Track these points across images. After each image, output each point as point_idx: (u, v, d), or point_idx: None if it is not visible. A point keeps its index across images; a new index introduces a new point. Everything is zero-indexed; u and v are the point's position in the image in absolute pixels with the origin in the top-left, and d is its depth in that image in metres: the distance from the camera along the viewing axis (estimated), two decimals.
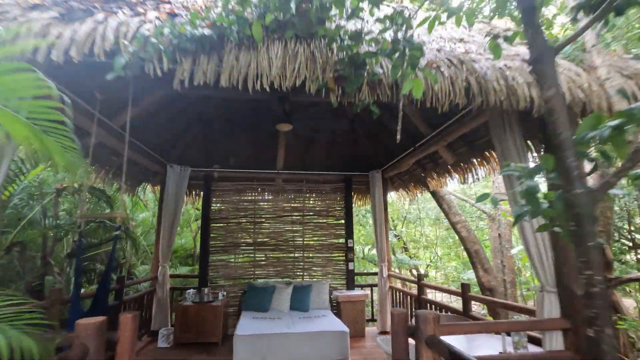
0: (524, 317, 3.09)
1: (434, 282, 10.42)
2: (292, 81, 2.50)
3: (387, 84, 2.62)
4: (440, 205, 6.86)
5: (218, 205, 6.19)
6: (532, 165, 2.80)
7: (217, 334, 5.04)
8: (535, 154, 3.60)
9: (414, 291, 5.21)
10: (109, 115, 3.99)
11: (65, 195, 5.02)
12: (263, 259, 6.16)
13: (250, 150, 6.31)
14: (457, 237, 11.29)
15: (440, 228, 11.37)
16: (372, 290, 6.30)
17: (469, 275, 7.61)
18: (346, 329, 4.27)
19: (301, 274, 6.13)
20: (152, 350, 4.87)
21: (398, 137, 2.71)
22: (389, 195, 6.81)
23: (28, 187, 4.64)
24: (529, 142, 3.43)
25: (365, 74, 2.54)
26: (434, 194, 6.81)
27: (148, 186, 6.46)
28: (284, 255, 6.25)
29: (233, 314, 5.72)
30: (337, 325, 4.48)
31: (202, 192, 6.15)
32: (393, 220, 12.16)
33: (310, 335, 4.15)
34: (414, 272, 10.91)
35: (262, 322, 4.63)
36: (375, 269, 9.58)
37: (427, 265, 10.97)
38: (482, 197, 1.67)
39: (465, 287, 3.90)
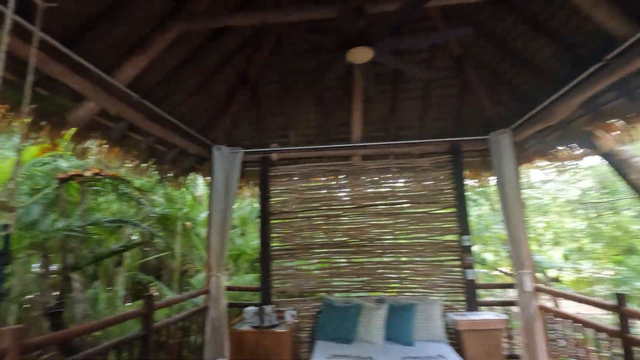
0: None
1: (566, 289, 7.60)
2: None
3: None
4: (623, 175, 4.42)
5: (279, 195, 4.76)
6: None
7: None
8: None
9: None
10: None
11: None
12: (341, 264, 4.54)
13: (316, 119, 4.75)
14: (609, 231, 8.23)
15: (575, 218, 8.47)
16: (507, 311, 4.23)
17: None
18: None
19: (397, 286, 4.35)
20: None
21: None
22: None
23: None
24: None
25: None
26: (608, 158, 4.42)
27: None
28: (369, 259, 4.55)
29: (307, 340, 4.22)
30: None
31: (259, 180, 4.77)
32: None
33: None
34: (539, 275, 8.23)
35: None
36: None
37: (561, 268, 8.21)
38: None
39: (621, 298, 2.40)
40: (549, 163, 4.48)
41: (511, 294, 4.28)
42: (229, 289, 4.60)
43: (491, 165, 4.46)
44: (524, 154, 4.47)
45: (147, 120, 3.38)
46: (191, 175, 5.05)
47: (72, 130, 3.00)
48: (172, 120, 3.67)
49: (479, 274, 6.81)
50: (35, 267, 3.82)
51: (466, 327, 3.62)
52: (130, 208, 4.77)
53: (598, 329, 2.98)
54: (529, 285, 3.80)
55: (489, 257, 8.93)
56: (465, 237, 4.22)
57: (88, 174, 3.88)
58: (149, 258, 4.80)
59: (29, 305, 3.48)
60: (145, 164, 4.01)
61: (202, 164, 4.88)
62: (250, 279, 5.62)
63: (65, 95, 2.69)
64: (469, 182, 4.84)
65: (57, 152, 3.91)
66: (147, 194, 4.56)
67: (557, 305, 6.72)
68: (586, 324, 3.12)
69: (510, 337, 4.06)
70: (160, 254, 5.61)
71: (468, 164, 4.66)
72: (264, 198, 4.66)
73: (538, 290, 3.87)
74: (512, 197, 3.97)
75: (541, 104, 3.55)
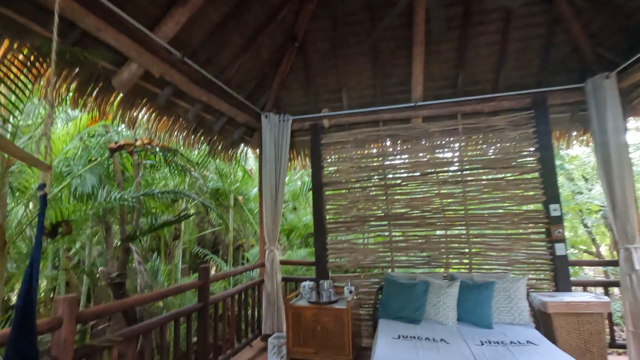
0: None
1: None
2: None
3: None
4: None
5: (332, 165, 4.42)
6: None
7: (346, 351, 3.34)
8: None
9: None
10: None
11: None
12: (402, 238, 4.13)
13: (371, 79, 4.28)
14: None
15: None
16: (606, 293, 3.58)
17: None
18: None
19: (469, 262, 3.86)
20: None
21: None
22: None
23: None
24: None
25: None
26: None
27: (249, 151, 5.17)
28: (434, 232, 4.09)
29: (367, 318, 3.94)
30: None
31: (309, 150, 4.46)
32: (577, 180, 8.29)
33: None
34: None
35: (414, 349, 2.66)
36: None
37: None
38: None
39: None
40: None
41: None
42: (283, 263, 4.44)
43: (585, 122, 3.72)
44: (630, 105, 3.64)
45: (193, 84, 3.19)
46: (242, 149, 4.86)
47: (119, 98, 2.88)
48: (218, 84, 3.44)
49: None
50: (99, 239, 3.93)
51: (558, 309, 3.06)
52: (182, 182, 4.75)
53: None
54: (639, 262, 3.12)
55: (566, 234, 7.92)
56: (553, 206, 3.57)
57: (138, 143, 3.85)
58: (204, 232, 4.78)
59: (97, 275, 3.58)
60: (194, 135, 3.88)
61: (252, 136, 4.67)
62: (304, 253, 5.44)
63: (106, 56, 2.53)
64: (559, 143, 4.10)
65: (107, 122, 3.91)
66: (198, 167, 4.47)
67: None
68: None
69: (612, 324, 3.43)
70: (215, 229, 5.62)
71: (554, 120, 3.93)
72: (317, 168, 4.35)
73: None
74: (617, 156, 3.24)
75: None
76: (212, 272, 5.57)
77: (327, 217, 4.31)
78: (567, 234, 7.77)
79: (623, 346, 3.34)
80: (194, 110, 3.60)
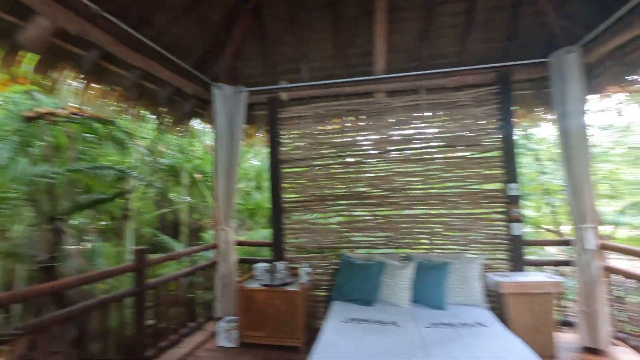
0: None
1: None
2: None
3: None
4: None
5: (291, 141, 4.17)
6: None
7: (298, 335, 3.22)
8: None
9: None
10: None
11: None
12: (363, 218, 3.99)
13: (332, 49, 4.00)
14: None
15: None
16: (559, 273, 3.58)
17: None
18: None
19: (428, 242, 3.77)
20: (210, 349, 3.36)
21: None
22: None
23: None
24: None
25: None
26: None
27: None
28: (394, 212, 3.96)
29: (324, 300, 3.83)
30: (517, 352, 2.10)
31: (267, 125, 4.19)
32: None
33: None
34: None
35: (361, 333, 2.55)
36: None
37: (617, 224, 7.25)
38: None
39: None
40: (626, 94, 3.55)
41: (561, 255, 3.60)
42: (240, 244, 4.24)
43: (549, 98, 3.60)
44: (594, 81, 3.54)
45: (124, 47, 2.83)
46: (197, 124, 4.53)
47: (35, 59, 2.50)
48: (157, 49, 3.09)
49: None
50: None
51: (511, 289, 3.02)
52: (124, 157, 4.38)
53: None
54: (592, 242, 3.10)
55: (530, 213, 8.07)
56: (512, 186, 3.49)
57: (62, 112, 3.44)
58: (161, 211, 4.48)
59: (20, 259, 3.27)
60: (135, 106, 3.52)
61: (205, 108, 4.33)
62: (267, 233, 5.24)
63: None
64: (521, 120, 3.99)
65: (26, 88, 3.48)
66: (146, 141, 4.12)
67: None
68: None
69: (562, 303, 3.45)
70: (171, 209, 5.32)
71: (518, 98, 3.80)
72: (274, 144, 4.10)
73: (604, 248, 3.17)
74: (577, 135, 3.16)
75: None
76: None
77: (285, 196, 4.11)
78: (532, 213, 7.94)
79: (573, 324, 3.37)
80: (132, 78, 3.24)
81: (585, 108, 3.21)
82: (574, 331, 3.27)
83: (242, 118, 3.95)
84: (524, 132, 6.98)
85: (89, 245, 3.81)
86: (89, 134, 3.92)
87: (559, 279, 3.14)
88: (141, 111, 3.62)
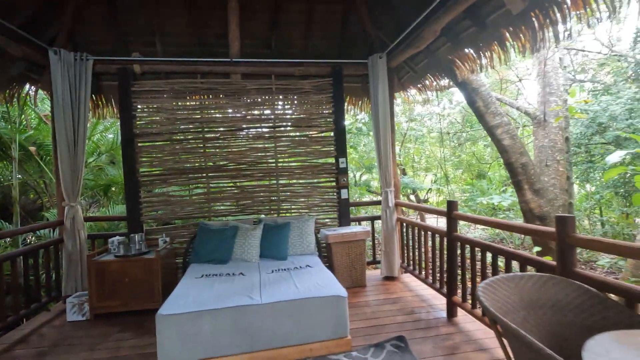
0: None
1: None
2: None
3: None
4: (472, 103, 4.99)
5: (146, 115, 4.18)
6: None
7: (155, 298, 3.48)
8: None
9: (435, 224, 3.60)
10: None
11: None
12: (220, 189, 4.38)
13: (188, 26, 4.13)
14: (465, 158, 9.71)
15: (444, 147, 9.71)
16: (373, 225, 4.74)
17: (506, 201, 6.03)
18: (343, 293, 2.69)
19: (277, 208, 4.43)
20: (59, 326, 3.30)
21: None
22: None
23: None
24: None
25: None
26: (463, 87, 4.90)
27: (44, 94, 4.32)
28: (249, 183, 4.49)
29: (184, 266, 4.12)
30: (328, 285, 2.90)
31: (118, 97, 4.07)
32: None
33: (283, 306, 2.56)
34: (412, 197, 9.52)
35: (212, 283, 3.01)
36: (374, 198, 8.04)
37: (429, 190, 9.55)
38: None
39: (451, 204, 3.13)
40: (420, 90, 4.81)
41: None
42: (90, 219, 4.10)
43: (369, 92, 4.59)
44: (401, 81, 4.70)
45: None
46: (29, 90, 4.03)
47: None
48: None
49: (365, 199, 7.49)
50: None
51: (335, 239, 3.94)
52: None
53: (434, 231, 3.54)
54: (391, 201, 4.25)
55: (375, 184, 9.86)
56: (341, 160, 4.41)
57: None
58: None
59: None
60: None
61: (42, 74, 3.91)
62: (123, 209, 5.10)
63: None
64: (351, 108, 4.96)
65: None
66: None
67: (422, 219, 7.90)
68: (430, 230, 3.67)
69: (374, 246, 4.61)
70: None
71: (350, 90, 4.73)
72: (127, 117, 4.04)
73: (398, 205, 4.38)
74: (383, 122, 4.20)
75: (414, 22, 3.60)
76: None
77: (142, 169, 4.15)
78: (376, 184, 9.63)
79: (379, 262, 4.57)
80: None
81: (392, 102, 4.28)
82: (379, 267, 4.47)
83: (87, 88, 3.75)
84: (353, 117, 8.39)
85: None
86: None
87: (368, 229, 4.23)
88: None
